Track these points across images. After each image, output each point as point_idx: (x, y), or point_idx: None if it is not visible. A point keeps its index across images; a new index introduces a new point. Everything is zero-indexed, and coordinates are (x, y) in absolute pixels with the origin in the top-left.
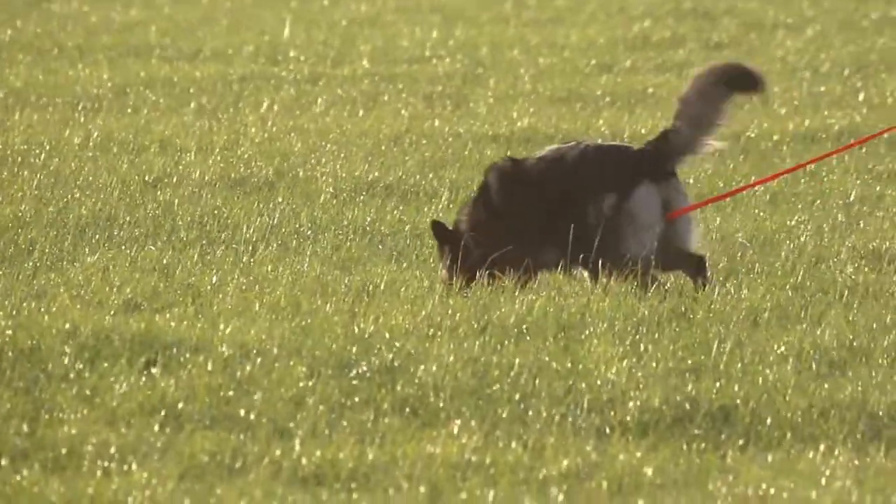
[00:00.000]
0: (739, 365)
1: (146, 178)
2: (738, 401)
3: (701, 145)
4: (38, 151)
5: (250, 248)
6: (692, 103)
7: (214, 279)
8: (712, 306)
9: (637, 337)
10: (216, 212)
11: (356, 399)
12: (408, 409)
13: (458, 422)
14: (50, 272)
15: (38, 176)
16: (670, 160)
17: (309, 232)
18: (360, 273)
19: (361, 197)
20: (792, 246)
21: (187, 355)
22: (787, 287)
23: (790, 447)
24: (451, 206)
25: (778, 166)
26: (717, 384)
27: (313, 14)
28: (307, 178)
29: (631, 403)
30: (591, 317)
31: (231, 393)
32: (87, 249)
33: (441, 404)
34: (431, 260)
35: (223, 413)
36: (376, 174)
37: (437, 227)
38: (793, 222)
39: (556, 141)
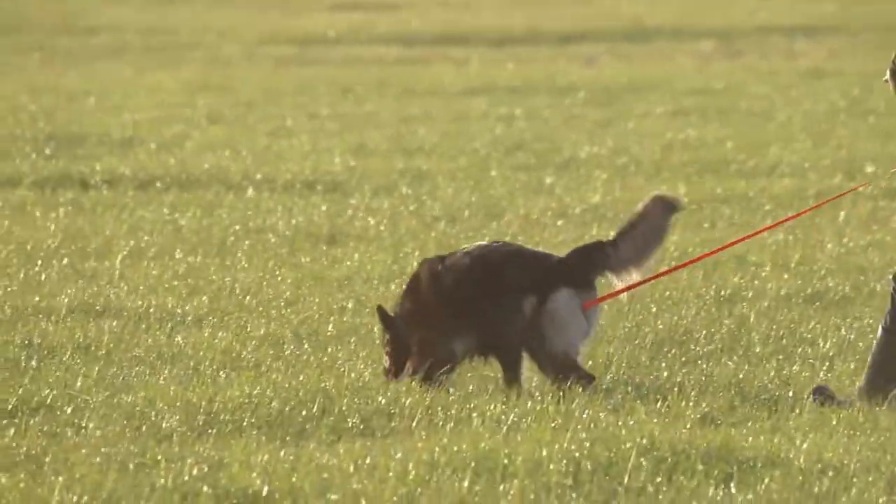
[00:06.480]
0: None
1: (721, 293)
2: None
3: (633, 269)
4: None
5: (826, 363)
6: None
7: (790, 394)
8: None
9: None
10: (792, 326)
11: None
12: None
13: None
14: (627, 386)
15: None
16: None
17: None
18: None
19: None
20: None
21: (763, 470)
22: None
23: None
24: None
25: (884, 291)
26: None
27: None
28: (885, 293)
29: None
30: None
31: None
32: (662, 364)
33: None
34: None
35: None
36: None
37: (379, 311)
38: None
39: None
